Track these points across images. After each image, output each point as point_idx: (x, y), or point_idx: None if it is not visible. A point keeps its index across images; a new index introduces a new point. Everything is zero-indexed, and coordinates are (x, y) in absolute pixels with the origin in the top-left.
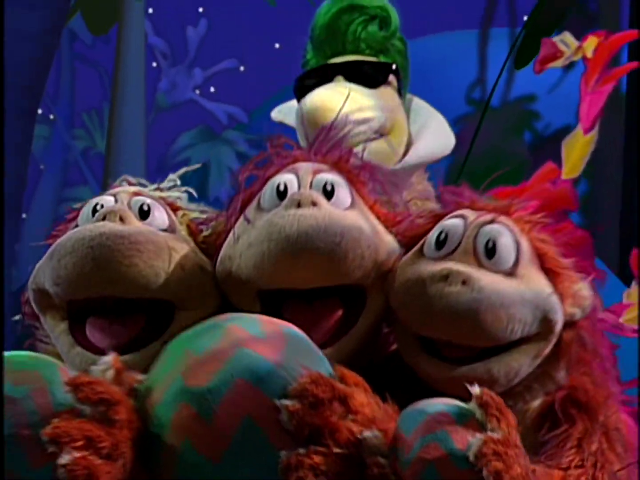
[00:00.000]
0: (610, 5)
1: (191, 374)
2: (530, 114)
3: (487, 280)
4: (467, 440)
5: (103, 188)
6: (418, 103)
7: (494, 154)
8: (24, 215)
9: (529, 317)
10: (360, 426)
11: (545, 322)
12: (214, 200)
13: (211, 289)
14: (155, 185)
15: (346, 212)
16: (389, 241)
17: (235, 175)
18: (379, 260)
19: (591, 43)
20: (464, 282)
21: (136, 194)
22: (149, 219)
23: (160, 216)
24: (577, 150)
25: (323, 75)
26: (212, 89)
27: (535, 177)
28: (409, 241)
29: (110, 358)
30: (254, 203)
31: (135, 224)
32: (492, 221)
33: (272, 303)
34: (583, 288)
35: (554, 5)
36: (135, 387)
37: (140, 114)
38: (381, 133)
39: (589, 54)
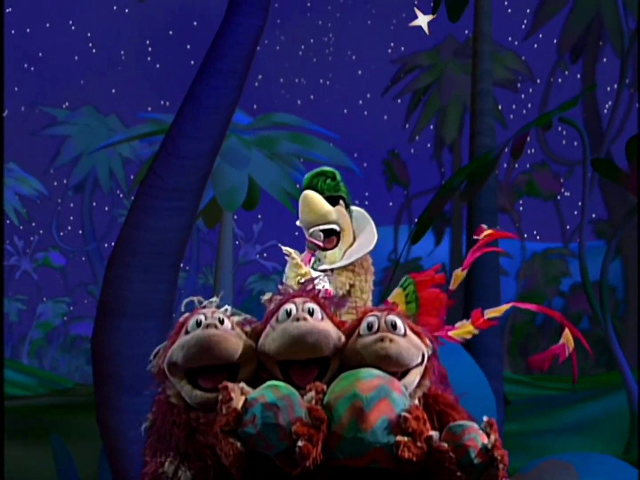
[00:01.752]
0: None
1: (361, 387)
2: (419, 267)
3: (400, 338)
4: (484, 438)
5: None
6: (357, 210)
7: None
8: (173, 315)
9: (418, 353)
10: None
11: (422, 356)
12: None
13: (255, 357)
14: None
15: (320, 322)
16: (340, 334)
17: (266, 305)
18: (337, 345)
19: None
20: (390, 340)
21: (214, 312)
22: (224, 325)
23: (228, 322)
24: (458, 278)
25: None
26: (265, 255)
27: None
28: (348, 333)
29: (312, 393)
30: (274, 318)
31: (221, 328)
32: (389, 314)
33: (284, 367)
34: (429, 340)
35: (429, 214)
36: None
37: (229, 267)
38: (338, 225)
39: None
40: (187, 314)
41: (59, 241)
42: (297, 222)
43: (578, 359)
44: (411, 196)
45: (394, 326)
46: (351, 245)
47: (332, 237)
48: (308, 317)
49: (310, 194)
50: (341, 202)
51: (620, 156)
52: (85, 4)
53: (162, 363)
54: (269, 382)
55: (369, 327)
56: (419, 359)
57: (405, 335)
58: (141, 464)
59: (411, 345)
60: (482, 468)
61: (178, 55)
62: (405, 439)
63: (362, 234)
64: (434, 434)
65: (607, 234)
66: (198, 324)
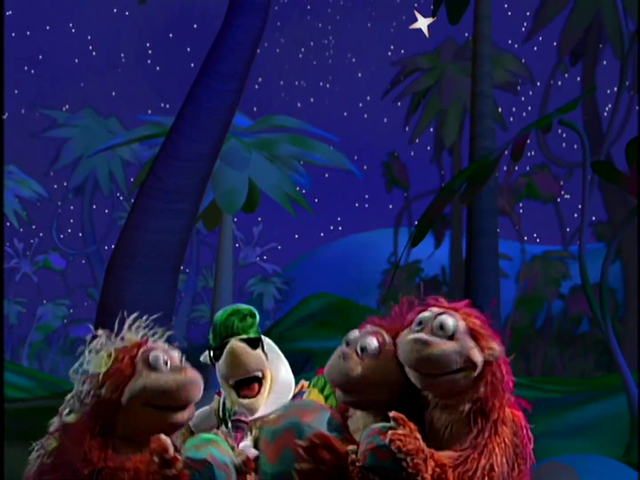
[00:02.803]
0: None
1: (270, 422)
2: (418, 269)
3: (436, 341)
4: (386, 437)
5: (212, 306)
6: (268, 342)
7: (401, 286)
8: (174, 317)
9: (457, 358)
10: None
11: (469, 361)
12: (265, 313)
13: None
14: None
15: (370, 361)
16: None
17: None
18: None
19: None
20: (423, 343)
21: (167, 349)
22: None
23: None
24: None
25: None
26: (265, 257)
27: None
28: (407, 325)
29: (255, 432)
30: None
31: (189, 370)
32: (442, 313)
33: None
34: (494, 344)
35: (429, 216)
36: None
37: (229, 269)
38: (261, 372)
39: None
40: (132, 344)
41: (59, 243)
42: (218, 373)
43: (578, 361)
44: (411, 198)
45: (441, 327)
46: (270, 387)
47: (253, 384)
48: (355, 356)
49: (239, 348)
50: (260, 345)
51: (620, 158)
52: (85, 6)
53: (115, 394)
54: (206, 437)
55: (420, 322)
56: (458, 365)
57: (452, 338)
58: None
59: (452, 351)
60: (392, 465)
61: (178, 57)
62: (306, 466)
63: (279, 373)
64: (351, 448)
65: (607, 236)
66: (165, 363)
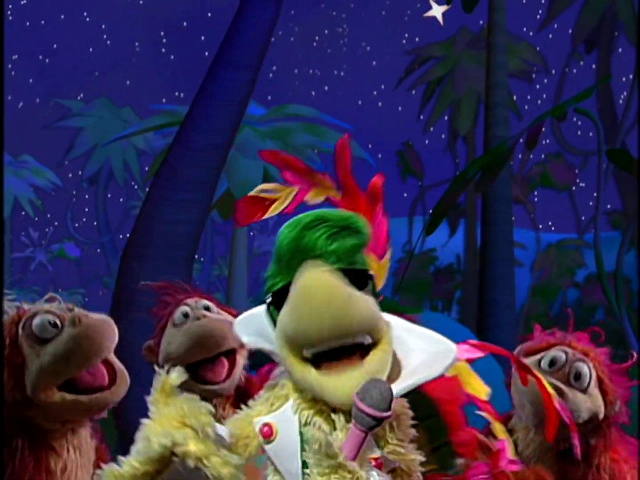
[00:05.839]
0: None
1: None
2: (433, 258)
3: (572, 396)
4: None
5: (227, 295)
6: (395, 321)
7: (416, 275)
8: None
9: (586, 415)
10: None
11: (595, 416)
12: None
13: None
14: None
15: None
16: None
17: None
18: None
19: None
20: (560, 394)
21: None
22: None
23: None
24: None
25: None
26: None
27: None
28: (531, 354)
29: None
30: None
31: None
32: (578, 360)
33: None
34: (618, 402)
35: (443, 205)
36: None
37: (244, 257)
38: (372, 334)
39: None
40: (8, 320)
41: (74, 232)
42: (276, 336)
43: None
44: (425, 187)
45: (577, 377)
46: (393, 370)
47: (352, 356)
48: None
49: (326, 279)
50: (372, 288)
51: (635, 146)
52: None
53: (18, 393)
54: None
55: (552, 362)
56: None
57: (585, 391)
58: None
59: (586, 409)
60: None
61: (192, 46)
62: None
63: (411, 355)
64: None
65: (622, 225)
66: (54, 325)
